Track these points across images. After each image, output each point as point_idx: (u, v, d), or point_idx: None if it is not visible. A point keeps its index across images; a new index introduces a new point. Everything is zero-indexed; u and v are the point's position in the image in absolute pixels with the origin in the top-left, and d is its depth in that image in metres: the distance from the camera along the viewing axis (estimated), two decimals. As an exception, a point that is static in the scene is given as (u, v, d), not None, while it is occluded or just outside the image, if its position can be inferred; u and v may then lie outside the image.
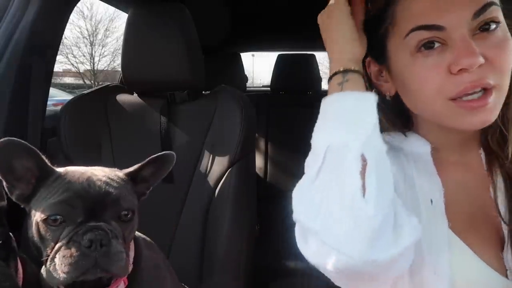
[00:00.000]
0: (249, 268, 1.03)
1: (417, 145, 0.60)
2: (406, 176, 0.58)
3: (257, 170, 2.15)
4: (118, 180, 0.60)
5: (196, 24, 1.09)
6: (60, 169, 0.59)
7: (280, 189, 2.18)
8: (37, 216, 0.55)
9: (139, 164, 0.64)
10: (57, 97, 5.94)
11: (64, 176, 0.57)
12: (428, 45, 0.50)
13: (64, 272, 0.51)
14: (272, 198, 2.12)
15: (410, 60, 0.52)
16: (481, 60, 0.47)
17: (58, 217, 0.54)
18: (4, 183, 0.57)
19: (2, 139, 0.53)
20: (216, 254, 0.97)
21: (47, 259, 0.54)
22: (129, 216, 0.59)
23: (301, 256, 0.50)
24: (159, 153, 0.64)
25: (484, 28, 0.49)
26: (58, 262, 0.52)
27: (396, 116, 0.64)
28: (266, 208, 1.70)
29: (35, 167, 0.57)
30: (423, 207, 0.55)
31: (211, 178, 1.02)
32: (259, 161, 2.20)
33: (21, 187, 0.57)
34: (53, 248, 0.54)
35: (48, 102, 1.10)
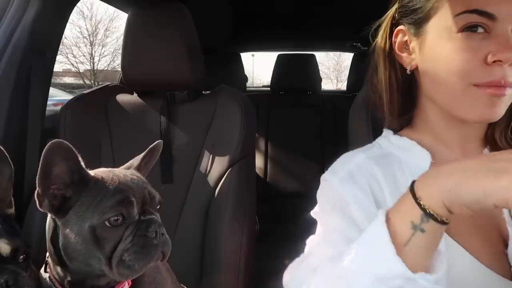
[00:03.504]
0: (249, 268, 1.03)
1: (418, 157, 0.60)
2: (395, 185, 0.58)
3: (257, 170, 2.15)
4: (142, 177, 0.64)
5: (196, 24, 1.08)
6: (90, 173, 0.59)
7: (280, 189, 2.18)
8: (93, 220, 0.54)
9: (141, 158, 0.67)
10: (57, 97, 5.94)
11: (103, 179, 0.57)
12: (472, 29, 0.51)
13: (139, 264, 0.56)
14: (272, 198, 2.12)
15: (450, 38, 0.52)
16: None
17: (120, 216, 0.55)
18: (38, 191, 0.55)
19: (49, 143, 0.52)
20: (216, 254, 0.97)
21: (110, 259, 0.55)
22: (159, 207, 0.64)
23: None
24: (152, 144, 0.68)
25: None
26: (131, 257, 0.55)
27: (398, 114, 0.64)
28: (266, 208, 1.70)
29: (76, 171, 0.56)
30: None
31: (211, 178, 1.02)
32: (259, 161, 2.20)
33: (51, 196, 0.55)
34: (115, 247, 0.55)
35: (48, 102, 1.11)
